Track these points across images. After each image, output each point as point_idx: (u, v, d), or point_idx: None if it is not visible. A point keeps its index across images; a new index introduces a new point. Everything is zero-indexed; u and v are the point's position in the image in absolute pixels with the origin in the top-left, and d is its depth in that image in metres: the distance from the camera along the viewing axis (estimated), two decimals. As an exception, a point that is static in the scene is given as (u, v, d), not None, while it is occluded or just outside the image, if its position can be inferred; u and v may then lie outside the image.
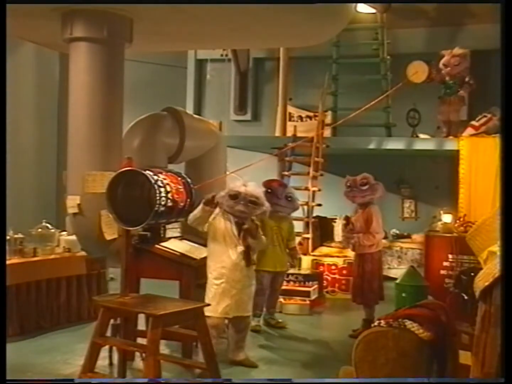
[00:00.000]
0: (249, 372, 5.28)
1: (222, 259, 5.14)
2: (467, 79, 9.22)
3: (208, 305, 4.80)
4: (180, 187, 5.05)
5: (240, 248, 5.15)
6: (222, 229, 5.15)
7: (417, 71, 8.78)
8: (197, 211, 5.13)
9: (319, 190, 9.04)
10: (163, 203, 4.75)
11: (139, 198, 4.95)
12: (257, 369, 5.36)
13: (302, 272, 8.17)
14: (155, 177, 4.79)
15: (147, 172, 4.77)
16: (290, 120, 11.40)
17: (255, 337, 6.36)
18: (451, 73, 9.13)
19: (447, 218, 8.82)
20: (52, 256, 6.48)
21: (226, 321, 5.38)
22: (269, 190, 6.60)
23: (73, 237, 6.31)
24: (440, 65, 9.17)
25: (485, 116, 9.26)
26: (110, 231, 5.37)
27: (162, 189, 4.76)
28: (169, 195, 4.81)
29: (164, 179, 4.88)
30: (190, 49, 11.65)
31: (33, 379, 4.77)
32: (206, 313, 4.77)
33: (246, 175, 7.55)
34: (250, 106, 12.48)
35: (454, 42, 9.40)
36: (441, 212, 9.24)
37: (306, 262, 8.53)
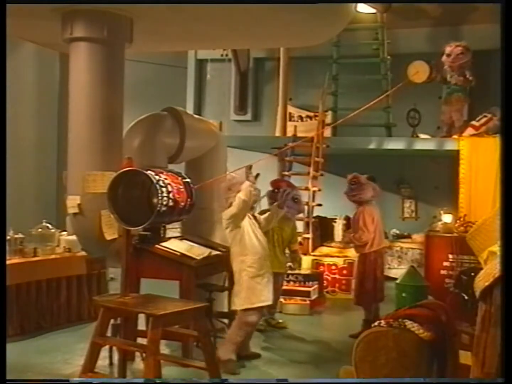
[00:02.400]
0: (249, 372, 5.28)
1: (257, 251, 5.38)
2: (467, 75, 9.19)
3: (208, 305, 4.80)
4: (181, 187, 5.04)
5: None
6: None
7: (418, 71, 8.77)
8: (238, 209, 5.25)
9: (319, 190, 9.04)
10: (164, 203, 4.75)
11: (140, 198, 4.95)
12: (257, 369, 5.36)
13: (302, 272, 8.17)
14: (157, 177, 4.79)
15: (149, 172, 4.78)
16: (290, 120, 11.40)
17: (255, 337, 6.37)
18: (453, 64, 9.09)
19: (447, 218, 8.81)
20: (52, 256, 6.48)
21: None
22: (276, 190, 6.59)
23: (73, 237, 6.31)
24: (443, 57, 9.15)
25: (485, 116, 9.26)
26: (110, 231, 5.36)
27: (164, 189, 4.76)
28: (171, 195, 4.81)
29: (165, 179, 4.89)
30: (190, 49, 11.64)
31: (33, 379, 4.77)
32: (248, 306, 5.23)
33: (246, 175, 7.54)
34: (250, 106, 12.48)
35: (454, 42, 9.38)
36: (441, 212, 9.23)
37: (306, 262, 8.52)
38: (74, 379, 4.65)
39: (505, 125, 2.98)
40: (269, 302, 5.51)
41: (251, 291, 5.28)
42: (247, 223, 5.42)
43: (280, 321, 6.87)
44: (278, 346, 6.14)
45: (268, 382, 4.92)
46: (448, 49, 9.14)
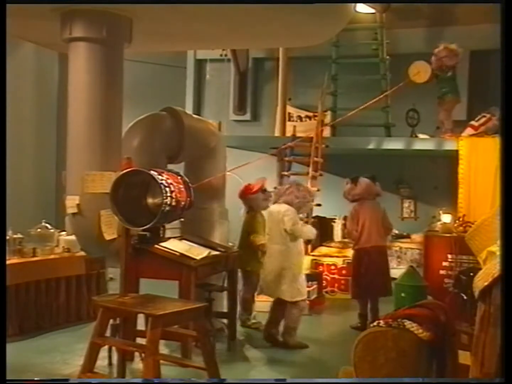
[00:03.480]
0: (247, 372, 5.28)
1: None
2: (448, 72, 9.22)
3: (205, 305, 4.81)
4: (181, 186, 5.05)
5: None
6: None
7: (419, 71, 8.76)
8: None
9: (318, 190, 9.03)
10: (168, 202, 4.77)
11: (139, 198, 4.95)
12: (257, 369, 5.37)
13: (302, 272, 8.16)
14: (160, 177, 4.80)
15: (152, 172, 4.79)
16: (289, 120, 11.40)
17: (252, 337, 6.37)
18: (436, 65, 9.10)
19: (446, 218, 8.82)
20: (52, 256, 6.48)
21: None
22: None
23: (73, 237, 6.31)
24: (432, 57, 9.16)
25: (484, 116, 9.26)
26: (110, 231, 5.36)
27: (167, 189, 4.77)
28: (173, 195, 4.83)
29: (167, 179, 4.90)
30: (189, 49, 11.64)
31: (33, 379, 4.77)
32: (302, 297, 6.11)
33: (245, 175, 7.59)
34: (250, 106, 12.48)
35: (454, 42, 9.38)
36: (441, 212, 9.24)
37: (305, 262, 8.52)
38: (75, 379, 4.64)
39: (505, 125, 2.97)
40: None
41: (304, 284, 6.26)
42: None
43: (253, 321, 6.85)
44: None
45: (266, 382, 4.92)
46: (436, 50, 9.15)
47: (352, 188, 7.08)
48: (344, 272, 8.45)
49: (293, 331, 6.08)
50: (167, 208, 4.72)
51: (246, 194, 6.80)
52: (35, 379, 4.80)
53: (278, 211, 6.09)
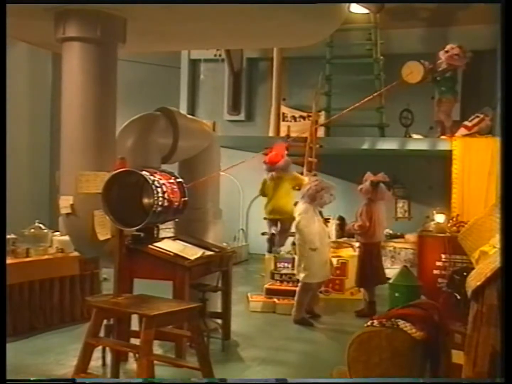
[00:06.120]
0: (242, 372, 5.29)
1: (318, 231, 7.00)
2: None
3: (200, 305, 4.80)
4: (174, 186, 5.05)
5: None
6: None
7: (412, 71, 8.80)
8: None
9: (315, 175, 9.04)
10: (160, 203, 4.75)
11: (133, 199, 4.94)
12: (251, 369, 5.37)
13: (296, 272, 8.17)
14: (152, 178, 4.79)
15: (144, 172, 4.78)
16: (283, 120, 11.42)
17: (249, 337, 6.38)
18: (446, 60, 9.12)
19: (440, 218, 8.84)
20: (45, 257, 6.46)
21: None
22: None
23: (66, 238, 6.29)
24: (441, 52, 9.16)
25: (477, 117, 9.30)
26: (103, 231, 5.35)
27: (159, 189, 4.76)
28: (166, 195, 4.82)
29: (160, 179, 4.89)
30: (184, 49, 11.64)
31: (33, 380, 4.76)
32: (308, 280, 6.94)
33: (239, 175, 7.58)
34: (244, 106, 12.49)
35: (447, 42, 9.42)
36: (434, 212, 9.26)
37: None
38: (79, 378, 4.62)
39: (505, 125, 2.97)
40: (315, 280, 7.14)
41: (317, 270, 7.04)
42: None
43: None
44: (272, 346, 6.14)
45: (267, 382, 4.92)
46: (448, 47, 9.18)
47: (368, 189, 7.39)
48: (338, 272, 8.44)
49: (299, 308, 6.98)
50: (159, 208, 4.71)
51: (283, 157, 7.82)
52: (36, 379, 4.78)
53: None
